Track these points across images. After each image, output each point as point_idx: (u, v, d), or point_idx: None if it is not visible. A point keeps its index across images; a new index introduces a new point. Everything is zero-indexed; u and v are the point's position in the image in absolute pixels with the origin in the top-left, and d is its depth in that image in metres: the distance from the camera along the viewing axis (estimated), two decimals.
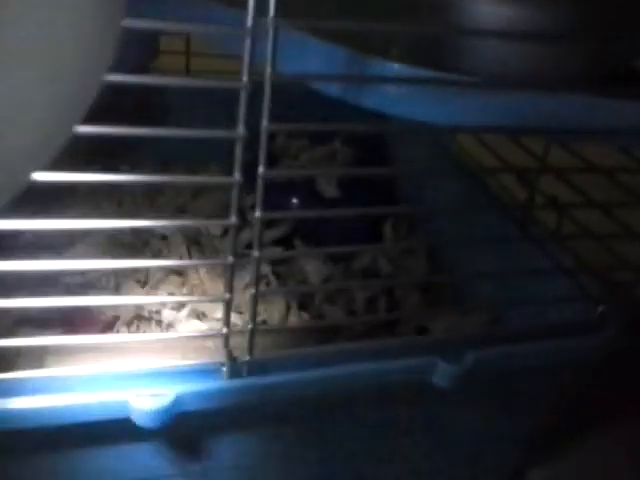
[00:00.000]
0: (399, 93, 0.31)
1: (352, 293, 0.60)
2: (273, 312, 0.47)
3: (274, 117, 0.27)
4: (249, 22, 0.25)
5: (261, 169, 0.27)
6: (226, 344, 0.31)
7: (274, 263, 0.53)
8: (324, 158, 0.63)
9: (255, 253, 0.30)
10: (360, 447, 0.40)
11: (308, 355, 0.34)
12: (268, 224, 0.59)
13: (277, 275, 0.52)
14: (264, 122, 0.27)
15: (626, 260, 0.41)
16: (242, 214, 0.58)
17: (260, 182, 0.28)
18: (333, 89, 0.32)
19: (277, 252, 0.51)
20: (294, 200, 0.61)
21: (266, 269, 0.51)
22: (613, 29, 0.31)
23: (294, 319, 0.48)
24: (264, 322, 0.48)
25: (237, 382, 0.32)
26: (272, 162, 0.62)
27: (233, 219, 0.29)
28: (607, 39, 0.31)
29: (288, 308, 0.48)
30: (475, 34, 0.29)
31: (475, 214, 0.55)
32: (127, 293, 0.49)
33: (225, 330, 0.31)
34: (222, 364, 0.31)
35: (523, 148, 0.48)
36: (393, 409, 0.38)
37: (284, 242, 0.58)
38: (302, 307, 0.50)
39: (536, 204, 0.51)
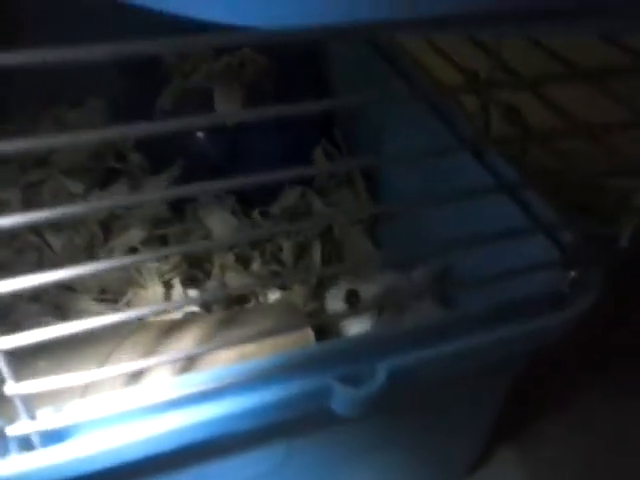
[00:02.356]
0: None
1: (278, 242, 0.48)
2: (146, 297, 0.36)
3: None
4: None
5: None
6: None
7: (159, 223, 0.41)
8: (226, 71, 0.49)
9: None
10: None
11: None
12: (154, 169, 0.46)
13: (163, 239, 0.40)
14: None
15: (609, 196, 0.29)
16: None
17: None
18: None
19: None
20: (198, 133, 0.48)
21: (138, 234, 0.38)
22: None
23: (177, 299, 0.36)
24: None
25: (21, 460, 0.21)
26: (160, 85, 0.49)
27: None
28: None
29: (168, 287, 0.37)
30: None
31: (423, 137, 0.42)
32: None
33: None
34: None
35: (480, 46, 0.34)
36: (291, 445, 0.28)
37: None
38: (193, 279, 0.39)
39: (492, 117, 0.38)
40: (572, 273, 0.28)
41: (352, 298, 0.39)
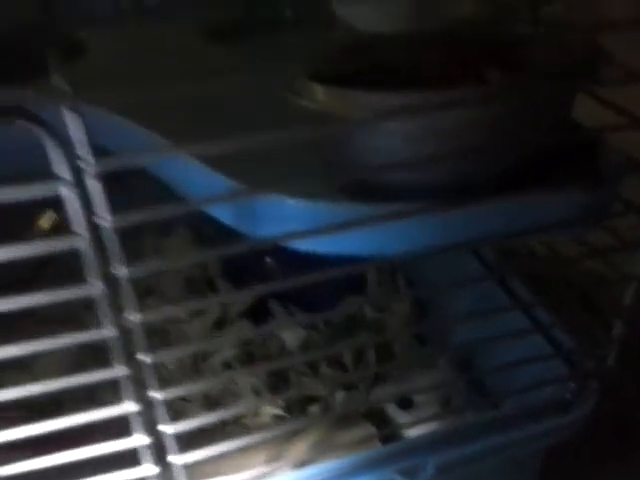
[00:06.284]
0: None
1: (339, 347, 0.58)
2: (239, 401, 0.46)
3: None
4: None
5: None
6: None
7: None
8: None
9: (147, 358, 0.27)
10: None
11: None
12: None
13: (247, 354, 0.51)
14: None
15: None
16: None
17: None
18: (224, 214, 0.30)
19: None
20: (267, 259, 0.59)
21: (228, 353, 0.49)
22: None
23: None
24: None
25: None
26: None
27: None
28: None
29: (258, 395, 0.46)
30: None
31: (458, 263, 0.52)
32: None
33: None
34: None
35: None
36: None
37: (256, 307, 0.56)
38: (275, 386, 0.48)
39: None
40: (572, 384, 0.36)
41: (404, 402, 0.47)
